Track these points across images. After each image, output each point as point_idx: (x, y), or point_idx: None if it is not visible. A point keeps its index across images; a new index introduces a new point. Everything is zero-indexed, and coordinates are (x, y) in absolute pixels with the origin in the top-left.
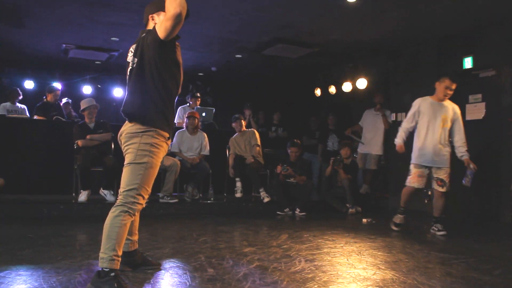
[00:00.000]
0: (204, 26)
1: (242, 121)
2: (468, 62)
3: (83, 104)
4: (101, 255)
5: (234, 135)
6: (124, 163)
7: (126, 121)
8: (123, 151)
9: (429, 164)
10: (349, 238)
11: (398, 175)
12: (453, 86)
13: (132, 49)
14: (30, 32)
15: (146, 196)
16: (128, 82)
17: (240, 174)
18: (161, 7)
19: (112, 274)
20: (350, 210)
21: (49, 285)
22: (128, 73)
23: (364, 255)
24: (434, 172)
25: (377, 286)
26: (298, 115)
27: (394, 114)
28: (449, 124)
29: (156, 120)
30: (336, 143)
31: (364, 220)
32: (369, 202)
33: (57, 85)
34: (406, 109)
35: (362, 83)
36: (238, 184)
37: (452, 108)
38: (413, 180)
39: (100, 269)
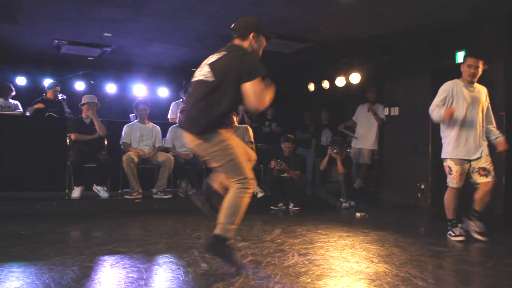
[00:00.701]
0: (197, 22)
1: (234, 117)
2: (461, 57)
3: (84, 99)
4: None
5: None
6: None
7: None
8: None
9: (470, 157)
10: (342, 232)
11: (392, 169)
12: (480, 64)
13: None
14: (22, 28)
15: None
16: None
17: None
18: (263, 33)
19: (228, 242)
20: (343, 204)
21: (42, 281)
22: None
23: (357, 249)
24: (474, 164)
25: (370, 279)
26: (291, 110)
27: (387, 109)
28: (485, 109)
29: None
30: (330, 138)
31: (358, 215)
32: (363, 196)
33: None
34: (399, 104)
35: (355, 78)
36: None
37: (483, 90)
38: (456, 179)
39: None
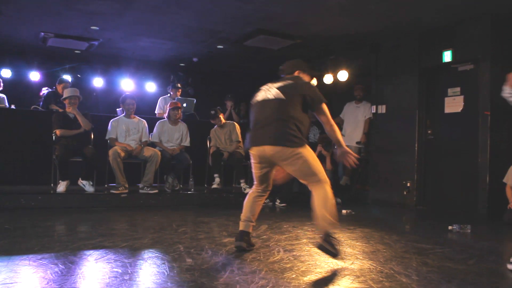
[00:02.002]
0: (185, 16)
1: (220, 115)
2: (447, 56)
3: (65, 93)
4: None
5: (215, 127)
6: None
7: None
8: None
9: None
10: None
11: (378, 167)
12: None
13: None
14: (7, 20)
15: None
16: None
17: (218, 170)
18: (306, 71)
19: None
20: None
21: (25, 275)
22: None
23: (342, 246)
24: None
25: (354, 275)
26: None
27: (374, 107)
28: None
29: None
30: (317, 135)
31: (344, 212)
32: (349, 193)
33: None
34: (386, 102)
35: (343, 76)
36: (217, 179)
37: None
38: None
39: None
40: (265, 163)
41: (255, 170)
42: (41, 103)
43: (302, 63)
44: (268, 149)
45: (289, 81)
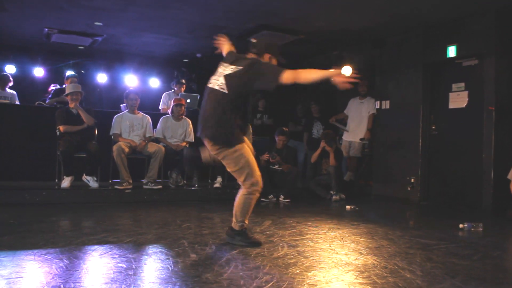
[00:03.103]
0: (188, 12)
1: None
2: (452, 51)
3: (67, 89)
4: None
5: None
6: None
7: None
8: None
9: None
10: (332, 225)
11: (382, 162)
12: None
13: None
14: (11, 16)
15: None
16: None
17: (220, 171)
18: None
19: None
20: (334, 197)
21: (31, 270)
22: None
23: (346, 241)
24: None
25: (358, 271)
26: (283, 102)
27: (378, 102)
28: None
29: None
30: (321, 131)
31: (348, 207)
32: (353, 189)
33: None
34: (390, 98)
35: (347, 71)
36: (219, 179)
37: None
38: None
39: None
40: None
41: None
42: (47, 100)
43: (275, 48)
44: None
45: (242, 67)
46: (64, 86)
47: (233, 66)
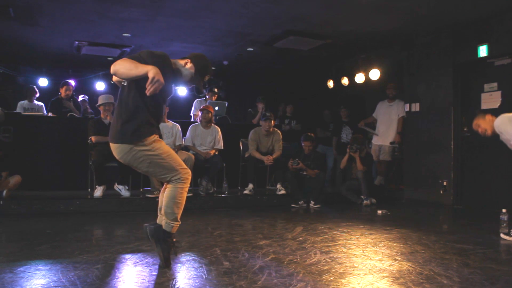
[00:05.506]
0: (214, 20)
1: (272, 121)
2: (483, 51)
3: (100, 100)
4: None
5: (258, 131)
6: None
7: None
8: None
9: None
10: (364, 230)
11: (413, 166)
12: None
13: None
14: (43, 30)
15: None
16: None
17: (252, 176)
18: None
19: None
20: (364, 202)
21: (68, 279)
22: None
23: (379, 247)
24: None
25: (393, 277)
26: (311, 107)
27: (407, 105)
28: None
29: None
30: (350, 135)
31: (379, 212)
32: (384, 193)
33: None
34: (420, 100)
35: (375, 74)
36: (250, 185)
37: None
38: None
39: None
40: None
41: None
42: (46, 112)
43: (201, 59)
44: None
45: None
46: (59, 94)
47: None
